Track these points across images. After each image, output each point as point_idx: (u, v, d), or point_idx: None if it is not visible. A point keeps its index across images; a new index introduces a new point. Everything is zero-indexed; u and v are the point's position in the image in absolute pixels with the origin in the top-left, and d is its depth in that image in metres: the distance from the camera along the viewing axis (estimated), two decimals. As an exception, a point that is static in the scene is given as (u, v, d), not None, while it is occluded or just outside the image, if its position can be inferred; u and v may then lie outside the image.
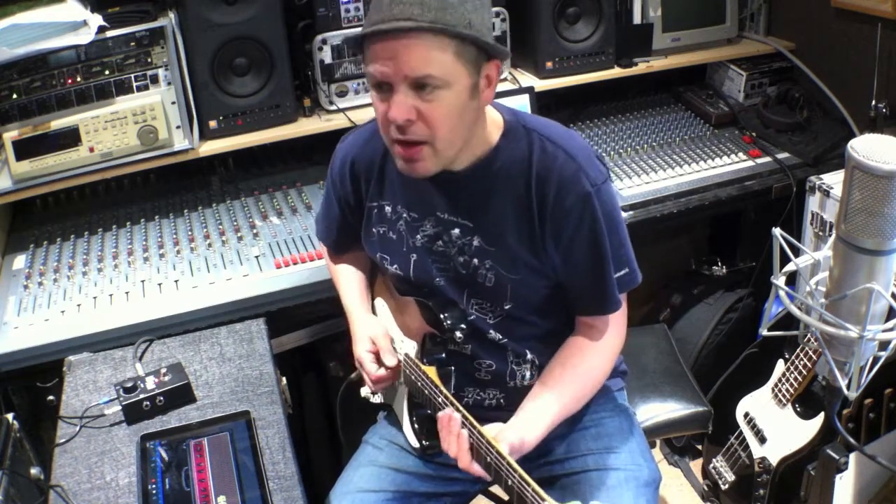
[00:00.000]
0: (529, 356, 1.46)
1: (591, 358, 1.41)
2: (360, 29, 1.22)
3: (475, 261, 1.38)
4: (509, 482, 1.15)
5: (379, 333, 1.46)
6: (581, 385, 1.39)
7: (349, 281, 1.61)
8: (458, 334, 1.41)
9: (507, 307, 1.40)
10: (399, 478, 1.49)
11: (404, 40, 1.16)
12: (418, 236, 1.42)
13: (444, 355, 1.42)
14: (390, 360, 1.42)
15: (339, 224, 1.58)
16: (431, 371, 1.36)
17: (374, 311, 1.58)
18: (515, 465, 1.15)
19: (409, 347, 1.44)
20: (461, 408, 1.25)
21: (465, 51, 1.19)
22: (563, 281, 1.39)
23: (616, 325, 1.43)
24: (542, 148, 1.33)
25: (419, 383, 1.37)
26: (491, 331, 1.43)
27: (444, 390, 1.30)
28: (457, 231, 1.39)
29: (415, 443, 1.46)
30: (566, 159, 1.31)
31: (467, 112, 1.25)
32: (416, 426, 1.45)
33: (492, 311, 1.42)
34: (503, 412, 1.49)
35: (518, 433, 1.28)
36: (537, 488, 1.11)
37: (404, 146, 1.24)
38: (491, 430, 1.25)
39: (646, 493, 1.41)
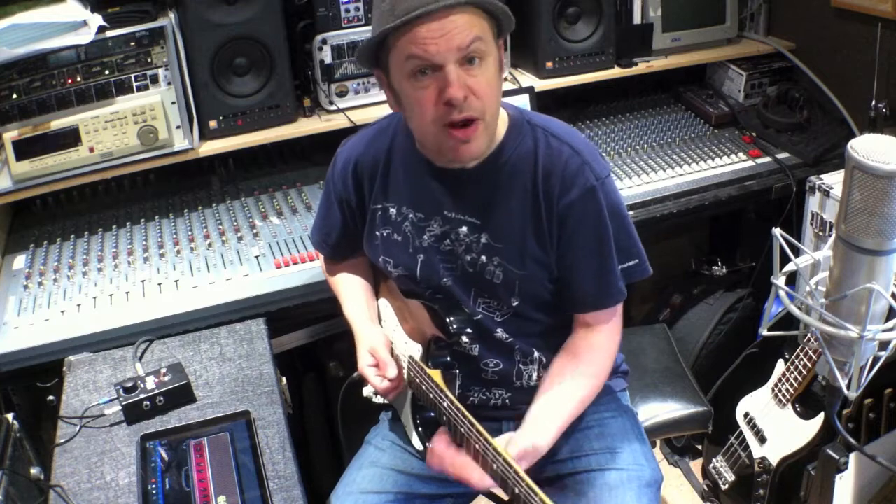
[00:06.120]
0: (536, 355, 1.46)
1: (592, 360, 1.41)
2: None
3: (483, 258, 1.38)
4: (516, 490, 1.14)
5: (378, 344, 1.44)
6: (585, 387, 1.40)
7: (351, 291, 1.59)
8: (465, 338, 1.40)
9: (514, 304, 1.40)
10: (402, 479, 1.49)
11: (451, 17, 1.18)
12: (425, 236, 1.42)
13: (448, 358, 1.40)
14: (391, 372, 1.40)
15: (339, 230, 1.56)
16: (436, 374, 1.35)
17: (378, 313, 1.58)
18: (523, 474, 1.14)
19: (414, 350, 1.43)
20: (467, 413, 1.25)
21: (491, 25, 1.24)
22: (565, 274, 1.39)
23: (612, 326, 1.43)
24: (546, 143, 1.35)
25: (423, 386, 1.36)
26: (498, 329, 1.43)
27: (449, 394, 1.29)
28: (464, 229, 1.39)
29: (419, 445, 1.45)
30: (571, 154, 1.33)
31: (499, 87, 1.29)
32: (419, 429, 1.44)
33: (499, 309, 1.42)
34: (508, 412, 1.49)
35: (529, 439, 1.29)
36: (545, 497, 1.10)
37: (461, 127, 1.25)
38: (502, 441, 1.25)
39: (647, 494, 1.41)
